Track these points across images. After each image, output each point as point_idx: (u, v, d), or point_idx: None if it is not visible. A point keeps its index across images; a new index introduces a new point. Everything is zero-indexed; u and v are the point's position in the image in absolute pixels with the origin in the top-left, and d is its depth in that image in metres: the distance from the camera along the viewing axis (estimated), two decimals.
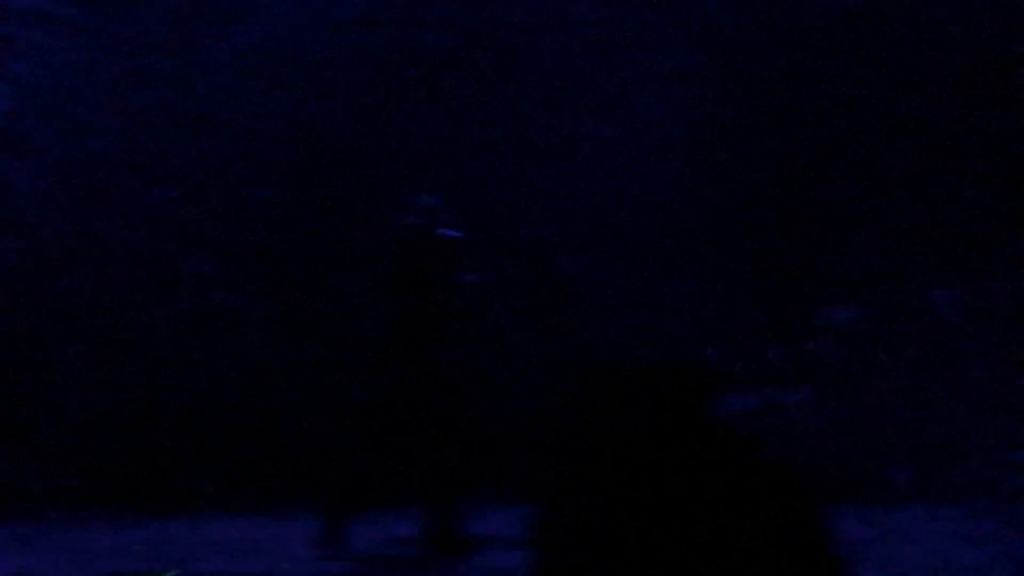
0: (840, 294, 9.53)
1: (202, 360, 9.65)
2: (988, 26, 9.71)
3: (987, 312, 9.42)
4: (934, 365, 9.31)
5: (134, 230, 9.83)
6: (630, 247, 9.75)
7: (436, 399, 7.14)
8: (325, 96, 10.00)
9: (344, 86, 10.02)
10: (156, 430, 9.50)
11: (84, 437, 9.57)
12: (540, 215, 9.81)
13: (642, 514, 2.54)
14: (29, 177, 9.95)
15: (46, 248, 9.86)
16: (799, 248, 9.60)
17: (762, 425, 9.32)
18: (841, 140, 9.68)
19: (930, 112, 9.64)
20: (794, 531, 2.58)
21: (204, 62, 10.08)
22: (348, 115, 9.97)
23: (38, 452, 9.57)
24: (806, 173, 9.68)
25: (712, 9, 9.89)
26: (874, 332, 9.45)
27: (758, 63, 9.83)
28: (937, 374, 9.29)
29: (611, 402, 2.69)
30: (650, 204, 9.69)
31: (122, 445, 9.51)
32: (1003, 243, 9.52)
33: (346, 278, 9.65)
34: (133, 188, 9.92)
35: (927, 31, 9.68)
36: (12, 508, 9.09)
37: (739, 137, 9.76)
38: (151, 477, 9.38)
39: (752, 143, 9.75)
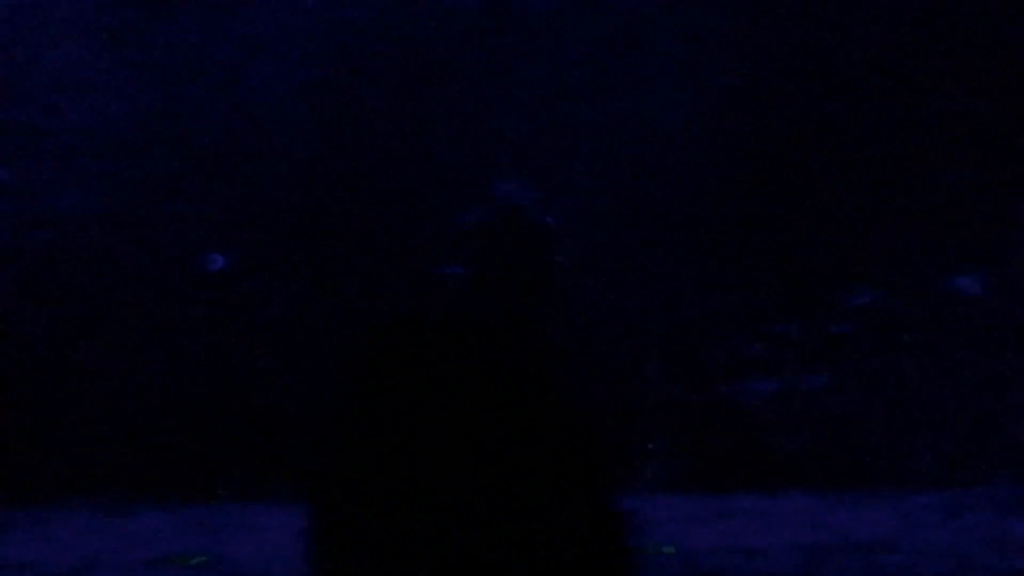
0: (862, 275, 9.50)
1: (238, 350, 9.64)
2: (1008, 15, 9.66)
3: (1011, 293, 9.38)
4: (958, 347, 9.28)
5: (158, 223, 9.81)
6: (650, 229, 9.71)
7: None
8: (349, 78, 9.96)
9: (369, 69, 9.98)
10: (188, 419, 9.49)
11: (117, 424, 9.57)
12: (559, 199, 9.77)
13: (420, 489, 2.35)
14: (47, 169, 9.92)
15: (69, 242, 9.84)
16: (820, 228, 9.56)
17: (782, 410, 9.31)
18: (864, 121, 9.64)
19: (953, 94, 9.59)
20: (582, 503, 2.40)
21: (223, 43, 10.04)
22: (371, 96, 9.94)
23: (73, 441, 9.58)
24: (827, 154, 9.64)
25: None
26: (897, 314, 9.41)
27: (776, 48, 9.79)
28: (961, 356, 9.26)
29: (382, 369, 2.43)
30: (668, 186, 9.65)
31: (154, 433, 9.51)
32: None
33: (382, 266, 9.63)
34: (152, 179, 9.89)
35: (948, 17, 9.63)
36: (43, 494, 9.09)
37: (759, 121, 9.72)
38: (181, 464, 9.38)
39: (772, 126, 9.70)
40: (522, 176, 9.84)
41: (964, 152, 9.57)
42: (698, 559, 6.76)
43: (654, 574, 6.44)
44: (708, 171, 9.68)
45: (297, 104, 10.05)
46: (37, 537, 7.81)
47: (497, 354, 2.42)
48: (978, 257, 9.41)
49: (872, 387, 9.33)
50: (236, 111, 10.07)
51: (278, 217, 9.98)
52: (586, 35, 9.95)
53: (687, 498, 8.64)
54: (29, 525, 8.36)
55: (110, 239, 9.97)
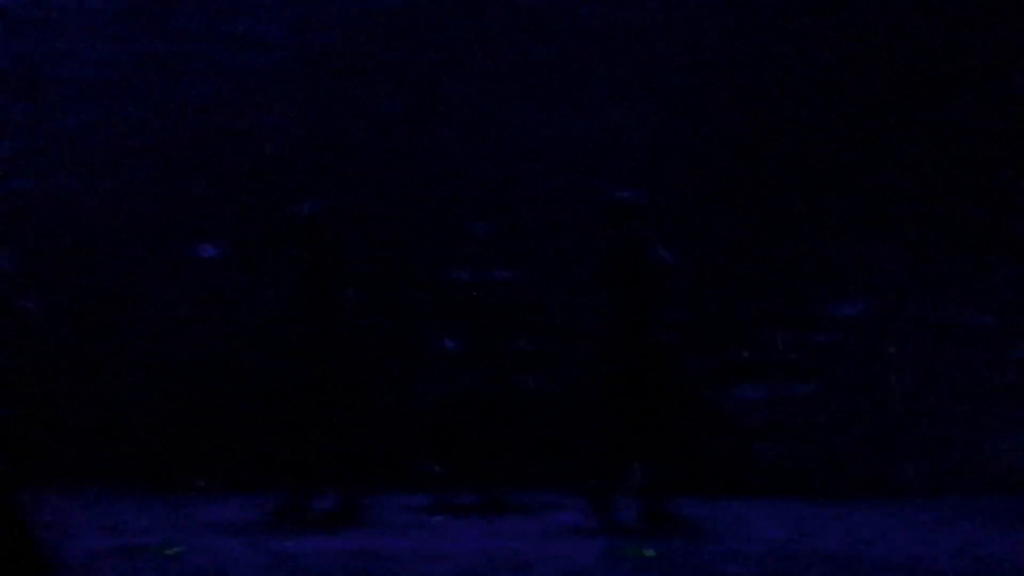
0: (850, 287, 9.50)
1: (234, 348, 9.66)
2: (1003, 28, 9.66)
3: (994, 306, 9.38)
4: (943, 358, 9.28)
5: (151, 218, 9.82)
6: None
7: (661, 383, 7.59)
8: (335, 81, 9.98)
9: (353, 73, 10.00)
10: (175, 414, 9.50)
11: (110, 418, 9.58)
12: (549, 205, 9.78)
13: None
14: (47, 169, 9.95)
15: (72, 242, 9.87)
16: (810, 240, 9.56)
17: (770, 416, 9.31)
18: (856, 137, 9.65)
19: (942, 111, 9.59)
20: None
21: (219, 42, 10.07)
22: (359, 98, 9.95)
23: (68, 433, 9.61)
24: (820, 167, 9.65)
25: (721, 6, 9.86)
26: (884, 325, 9.41)
27: (775, 65, 9.80)
28: (946, 367, 9.26)
29: None
30: (662, 194, 9.65)
31: (145, 426, 9.52)
32: (1011, 237, 9.49)
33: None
34: (148, 179, 9.91)
35: (947, 32, 9.63)
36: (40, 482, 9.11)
37: (756, 131, 9.73)
38: (165, 458, 9.39)
39: (769, 136, 9.71)
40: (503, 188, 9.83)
41: (958, 170, 9.56)
42: (676, 561, 6.77)
43: (630, 574, 6.44)
44: (702, 185, 9.68)
45: (293, 98, 10.06)
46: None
47: None
48: (965, 273, 9.41)
49: (857, 397, 9.33)
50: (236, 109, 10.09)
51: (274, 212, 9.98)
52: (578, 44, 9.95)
53: (672, 502, 8.64)
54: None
55: (106, 230, 9.98)
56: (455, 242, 9.79)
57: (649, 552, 6.90)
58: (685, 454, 9.14)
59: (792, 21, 9.79)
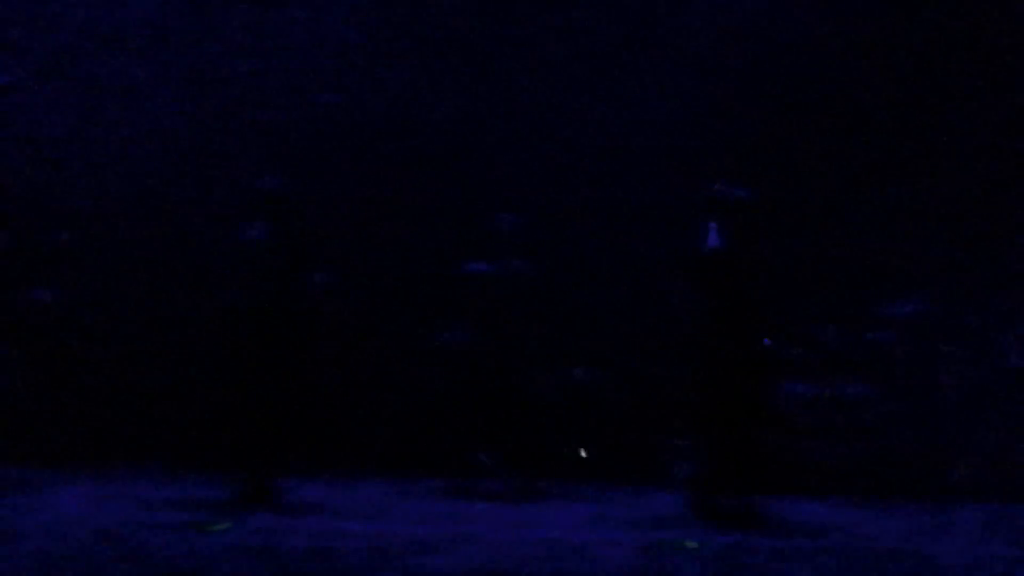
0: (905, 285, 9.44)
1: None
2: None
3: None
4: (998, 360, 9.20)
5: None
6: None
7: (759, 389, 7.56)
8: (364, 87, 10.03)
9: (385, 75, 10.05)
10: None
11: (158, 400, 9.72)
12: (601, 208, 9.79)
13: None
14: (106, 175, 10.08)
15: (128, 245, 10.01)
16: (866, 237, 9.52)
17: (822, 416, 9.27)
18: (915, 134, 9.59)
19: (1009, 108, 9.52)
20: None
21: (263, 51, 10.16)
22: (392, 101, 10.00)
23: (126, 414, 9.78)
24: (876, 164, 9.60)
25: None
26: (938, 324, 9.34)
27: (832, 64, 9.75)
28: (1001, 369, 9.17)
29: None
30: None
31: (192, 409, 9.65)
32: None
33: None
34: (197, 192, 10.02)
35: (1001, 21, 9.55)
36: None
37: (809, 128, 9.69)
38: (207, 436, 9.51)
39: (823, 133, 9.68)
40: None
41: (1008, 174, 9.47)
42: (721, 554, 6.77)
43: (679, 565, 6.46)
44: (750, 178, 9.65)
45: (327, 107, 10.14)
46: (79, 497, 7.95)
47: None
48: (1019, 270, 9.32)
49: (909, 397, 9.26)
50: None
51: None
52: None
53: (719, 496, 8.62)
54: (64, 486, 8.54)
55: (163, 236, 10.11)
56: (483, 236, 9.81)
57: (692, 544, 6.90)
58: (738, 450, 9.10)
59: (857, 24, 9.74)
